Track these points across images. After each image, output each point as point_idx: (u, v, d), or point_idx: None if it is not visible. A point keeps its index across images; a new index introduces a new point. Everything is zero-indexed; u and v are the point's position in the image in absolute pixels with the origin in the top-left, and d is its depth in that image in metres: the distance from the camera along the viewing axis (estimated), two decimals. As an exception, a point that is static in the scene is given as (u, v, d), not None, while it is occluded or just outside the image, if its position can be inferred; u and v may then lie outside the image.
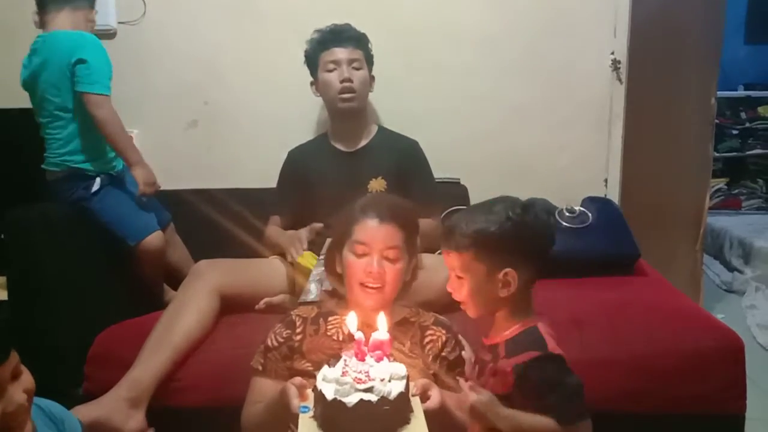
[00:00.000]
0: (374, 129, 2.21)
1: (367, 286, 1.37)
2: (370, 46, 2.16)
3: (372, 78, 2.18)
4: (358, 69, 2.10)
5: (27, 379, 1.02)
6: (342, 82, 2.07)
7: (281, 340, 1.44)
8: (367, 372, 1.12)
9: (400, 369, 1.16)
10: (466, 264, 1.23)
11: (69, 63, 1.93)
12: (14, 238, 1.86)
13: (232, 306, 1.80)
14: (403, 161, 2.14)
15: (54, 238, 1.87)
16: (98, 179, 2.02)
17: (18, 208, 1.89)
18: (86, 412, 1.47)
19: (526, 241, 1.23)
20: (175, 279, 2.06)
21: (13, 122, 2.06)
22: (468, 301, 1.26)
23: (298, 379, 1.23)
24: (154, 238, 2.02)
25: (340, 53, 2.09)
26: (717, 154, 4.15)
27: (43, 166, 2.03)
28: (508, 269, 1.22)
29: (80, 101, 1.95)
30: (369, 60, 2.17)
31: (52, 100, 1.98)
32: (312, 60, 2.15)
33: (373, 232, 1.37)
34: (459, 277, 1.25)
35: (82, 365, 1.70)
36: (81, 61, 1.93)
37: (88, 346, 1.72)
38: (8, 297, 1.83)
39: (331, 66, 2.09)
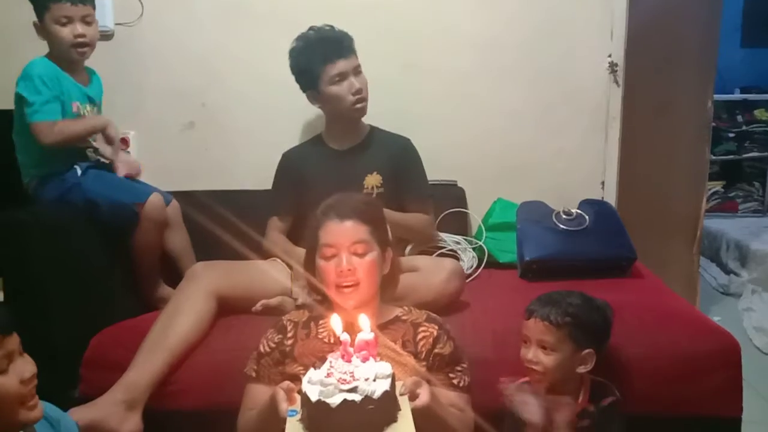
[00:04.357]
0: (367, 127, 2.22)
1: (342, 287, 1.37)
2: (354, 43, 2.13)
3: None
4: (360, 74, 2.10)
5: (28, 359, 1.07)
6: (354, 94, 2.06)
7: (273, 345, 1.44)
8: (352, 372, 1.12)
9: (386, 368, 1.15)
10: (560, 339, 1.42)
11: (16, 94, 1.94)
12: (8, 239, 1.85)
13: (229, 308, 1.80)
14: (396, 157, 2.15)
15: (49, 239, 1.86)
16: (77, 167, 2.00)
17: (12, 210, 1.89)
18: (82, 414, 1.47)
19: (602, 328, 1.49)
20: (173, 270, 2.07)
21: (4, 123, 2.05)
22: (548, 373, 1.43)
23: (286, 383, 1.23)
24: (155, 198, 2.00)
25: (345, 65, 2.05)
26: (713, 157, 4.16)
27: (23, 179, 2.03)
28: (589, 349, 1.44)
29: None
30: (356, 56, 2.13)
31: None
32: (311, 74, 2.09)
33: (336, 231, 1.39)
34: (546, 350, 1.43)
35: (78, 367, 1.70)
36: (18, 96, 1.92)
37: (84, 347, 1.72)
38: (4, 298, 1.82)
39: (337, 78, 2.05)
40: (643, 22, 2.51)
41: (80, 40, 1.96)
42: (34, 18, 1.97)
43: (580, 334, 1.44)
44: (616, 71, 2.44)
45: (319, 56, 2.06)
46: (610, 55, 2.43)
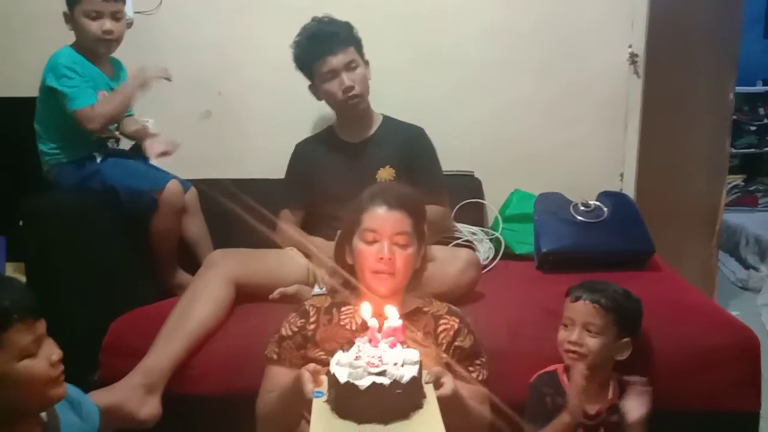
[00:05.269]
0: (379, 118, 2.20)
1: (378, 273, 1.38)
2: (355, 32, 2.10)
3: (366, 63, 2.12)
4: (355, 69, 2.05)
5: (53, 341, 1.09)
6: (345, 92, 2.04)
7: (295, 329, 1.45)
8: (380, 357, 1.12)
9: (413, 354, 1.16)
10: (606, 324, 1.47)
11: (43, 85, 1.96)
12: (31, 226, 1.88)
13: (246, 295, 1.81)
14: (409, 148, 2.13)
15: (69, 227, 1.89)
16: (95, 154, 2.03)
17: (34, 197, 1.92)
18: (101, 397, 1.48)
19: (639, 318, 1.54)
20: (190, 257, 2.09)
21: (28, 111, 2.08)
22: (590, 355, 1.46)
23: (312, 365, 1.23)
24: (174, 185, 2.03)
25: (334, 61, 2.02)
26: (734, 150, 4.11)
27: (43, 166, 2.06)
28: (628, 338, 1.49)
29: (49, 106, 1.97)
30: (359, 49, 2.10)
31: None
32: (305, 68, 2.11)
33: (383, 219, 1.40)
34: (591, 333, 1.47)
35: (97, 352, 1.72)
36: (52, 89, 1.94)
37: (103, 333, 1.74)
38: (26, 283, 1.85)
39: (329, 76, 2.05)
40: (664, 13, 2.47)
41: (108, 37, 1.99)
42: (54, 7, 1.99)
43: (623, 321, 1.49)
44: (637, 62, 2.41)
45: (310, 53, 2.06)
46: (630, 46, 2.41)
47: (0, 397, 0.99)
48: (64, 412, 1.14)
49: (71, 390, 1.16)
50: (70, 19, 1.98)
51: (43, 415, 1.10)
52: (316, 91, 2.14)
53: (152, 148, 2.08)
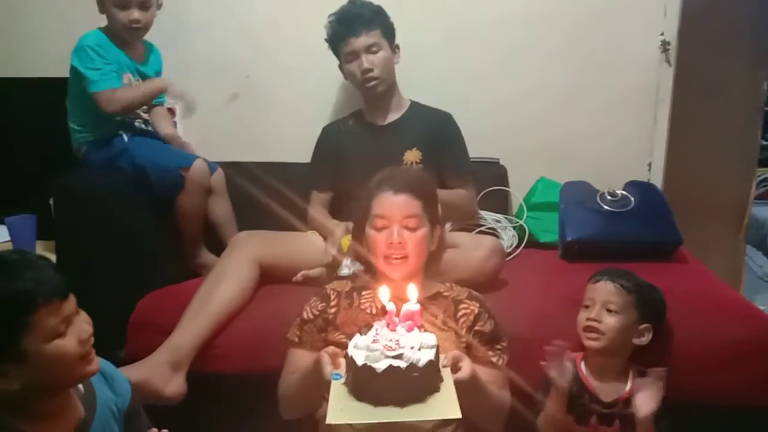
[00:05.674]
0: (407, 103, 2.23)
1: (391, 258, 1.39)
2: (385, 16, 2.14)
3: (396, 48, 2.17)
4: (376, 52, 2.10)
5: (85, 316, 1.10)
6: (363, 73, 2.09)
7: (316, 312, 1.47)
8: (398, 340, 1.13)
9: (430, 338, 1.17)
10: (627, 303, 1.47)
11: (70, 65, 2.01)
12: (61, 204, 1.92)
13: (270, 277, 1.84)
14: (436, 132, 2.15)
15: (99, 204, 1.92)
16: (122, 134, 2.07)
17: (64, 175, 1.95)
18: (129, 373, 1.49)
19: (662, 308, 1.55)
20: (217, 239, 2.11)
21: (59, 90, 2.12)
22: (608, 333, 1.46)
23: (331, 348, 1.25)
24: (200, 163, 2.06)
25: (356, 43, 2.09)
26: (765, 143, 4.01)
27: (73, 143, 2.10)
28: (648, 324, 1.49)
29: (77, 85, 2.01)
30: (388, 34, 2.14)
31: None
32: (333, 48, 2.18)
33: (390, 204, 1.40)
34: (610, 312, 1.47)
35: (125, 328, 1.76)
36: (73, 68, 1.99)
37: (130, 310, 1.78)
38: (56, 262, 1.89)
39: (350, 57, 2.11)
40: (696, 0, 2.42)
41: (135, 26, 2.03)
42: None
43: (644, 305, 1.49)
44: (668, 50, 2.36)
45: (337, 33, 2.13)
46: (662, 34, 2.36)
47: (34, 376, 1.01)
48: (99, 385, 1.17)
49: (105, 364, 1.18)
50: (101, 4, 2.04)
51: (80, 386, 1.13)
52: (342, 70, 2.19)
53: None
